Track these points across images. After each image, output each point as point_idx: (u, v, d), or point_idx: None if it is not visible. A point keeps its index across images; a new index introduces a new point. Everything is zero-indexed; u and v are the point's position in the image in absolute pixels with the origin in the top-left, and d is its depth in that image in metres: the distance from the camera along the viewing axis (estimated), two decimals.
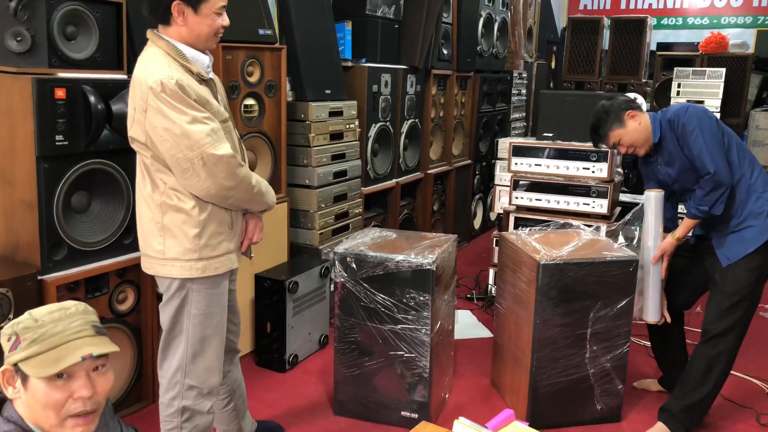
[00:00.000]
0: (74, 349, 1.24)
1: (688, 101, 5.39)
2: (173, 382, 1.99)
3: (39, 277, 2.24)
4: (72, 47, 2.30)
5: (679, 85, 5.43)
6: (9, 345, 1.24)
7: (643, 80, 6.67)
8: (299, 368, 3.12)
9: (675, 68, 5.54)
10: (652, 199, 2.63)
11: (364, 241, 2.73)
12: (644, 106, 5.71)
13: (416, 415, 2.59)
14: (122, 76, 2.45)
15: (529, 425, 2.47)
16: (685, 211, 2.57)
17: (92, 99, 2.28)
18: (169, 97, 1.79)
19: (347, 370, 2.68)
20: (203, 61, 1.94)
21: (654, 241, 2.64)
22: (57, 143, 2.21)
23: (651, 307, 2.66)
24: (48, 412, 1.23)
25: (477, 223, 5.63)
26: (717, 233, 2.52)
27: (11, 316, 2.13)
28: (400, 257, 2.52)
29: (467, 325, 3.70)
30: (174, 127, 1.80)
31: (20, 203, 2.25)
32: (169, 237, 1.91)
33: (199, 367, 1.99)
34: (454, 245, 2.83)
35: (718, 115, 5.22)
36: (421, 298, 2.52)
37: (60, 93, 2.20)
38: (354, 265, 2.57)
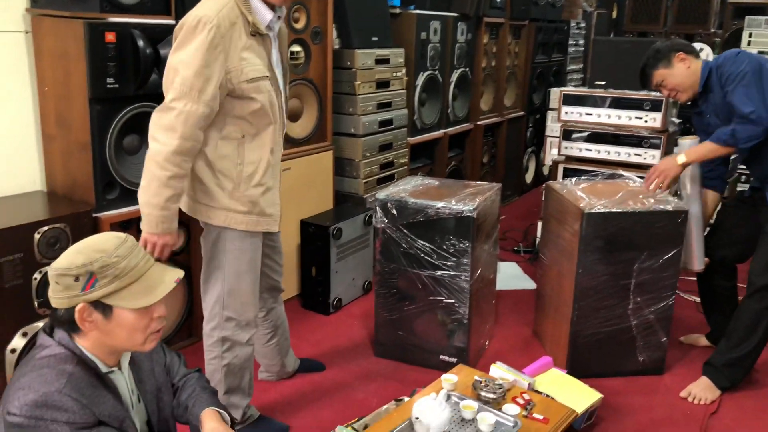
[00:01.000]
0: (158, 277, 1.35)
1: (759, 52, 5.09)
2: (213, 313, 2.09)
3: (93, 215, 2.35)
4: None
5: (750, 35, 5.12)
6: (80, 284, 1.27)
7: (712, 30, 6.33)
8: (343, 312, 3.20)
9: (746, 17, 5.22)
10: (685, 146, 2.52)
11: (405, 188, 2.74)
12: (710, 57, 5.43)
13: (455, 359, 2.63)
14: (170, 21, 2.49)
15: (569, 373, 2.49)
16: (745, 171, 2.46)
17: (141, 43, 2.34)
18: (196, 34, 1.79)
19: (388, 314, 2.73)
20: (265, 15, 1.92)
21: (691, 189, 2.55)
22: (108, 86, 2.29)
23: (695, 255, 2.59)
24: (136, 334, 1.35)
25: (529, 177, 5.54)
26: None
27: None
28: (440, 204, 2.52)
29: (512, 276, 3.69)
30: (180, 54, 1.80)
31: (75, 144, 2.35)
32: None
33: (236, 301, 2.07)
34: (497, 194, 2.80)
35: None
36: (461, 245, 2.52)
37: (110, 37, 2.27)
38: (395, 212, 2.59)
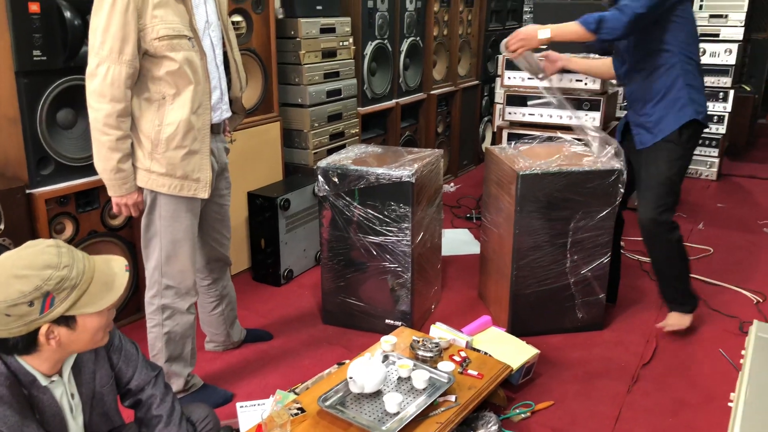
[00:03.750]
0: (107, 270, 1.33)
1: (711, 15, 5.15)
2: (152, 281, 2.11)
3: (27, 191, 2.33)
4: None
5: None
6: (37, 308, 1.23)
7: None
8: (294, 282, 3.22)
9: None
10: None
11: (348, 156, 2.75)
12: None
13: (400, 323, 2.68)
14: None
15: (509, 332, 2.56)
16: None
17: (68, 14, 2.30)
18: None
19: (334, 282, 2.77)
20: None
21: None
22: (35, 58, 2.25)
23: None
24: (99, 333, 1.34)
25: (485, 145, 5.58)
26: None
27: (2, 227, 2.23)
28: (380, 170, 2.55)
29: (464, 242, 3.75)
30: (96, 19, 1.82)
31: (4, 118, 2.32)
32: None
33: (174, 268, 2.09)
34: (439, 160, 2.83)
35: (740, 31, 5.00)
36: (402, 211, 2.55)
37: (34, 7, 2.22)
38: (336, 179, 2.60)
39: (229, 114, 2.20)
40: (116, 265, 1.35)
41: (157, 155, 1.96)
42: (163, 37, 1.88)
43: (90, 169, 2.50)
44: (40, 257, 1.25)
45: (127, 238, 2.71)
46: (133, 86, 1.91)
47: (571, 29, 2.41)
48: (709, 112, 4.82)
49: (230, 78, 2.20)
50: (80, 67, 2.38)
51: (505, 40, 2.59)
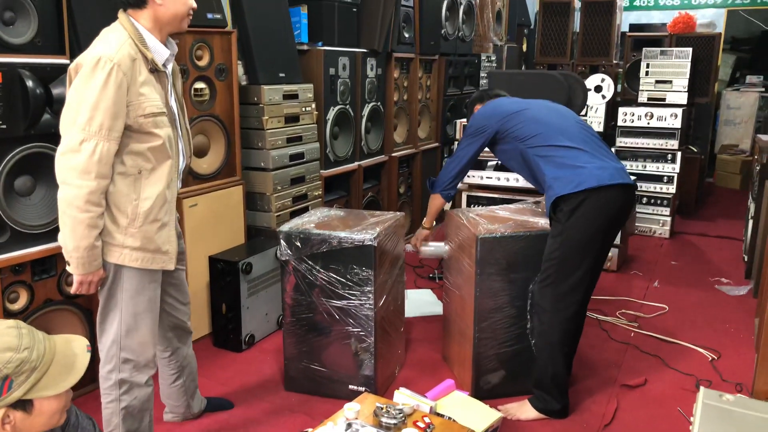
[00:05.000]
0: (66, 350, 1.30)
1: (657, 81, 5.45)
2: (110, 355, 2.05)
3: None
4: (10, 32, 2.32)
5: (647, 66, 5.48)
6: None
7: (615, 61, 6.73)
8: (256, 348, 3.17)
9: (644, 49, 5.59)
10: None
11: (311, 219, 2.78)
12: (611, 88, 5.78)
13: (363, 388, 2.65)
14: (64, 61, 2.47)
15: (472, 395, 2.56)
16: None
17: (30, 83, 2.31)
18: (97, 72, 1.81)
19: (297, 347, 2.74)
20: (162, 53, 1.98)
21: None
22: None
23: None
24: (56, 416, 1.30)
25: (447, 205, 5.67)
26: None
27: None
28: (342, 234, 2.57)
29: (426, 303, 3.76)
30: (84, 94, 1.81)
31: None
32: None
33: (134, 341, 2.04)
34: (401, 222, 2.87)
35: (683, 96, 5.29)
36: (364, 274, 2.57)
37: None
38: (299, 243, 2.62)
39: None
40: (77, 346, 1.32)
41: (132, 230, 1.94)
42: (149, 115, 1.90)
43: (48, 237, 2.47)
44: (0, 339, 1.22)
45: (84, 305, 2.65)
46: None
47: (432, 203, 2.96)
48: (659, 173, 5.07)
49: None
50: (41, 135, 2.39)
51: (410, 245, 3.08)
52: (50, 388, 1.25)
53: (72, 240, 1.88)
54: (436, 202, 2.92)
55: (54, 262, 2.52)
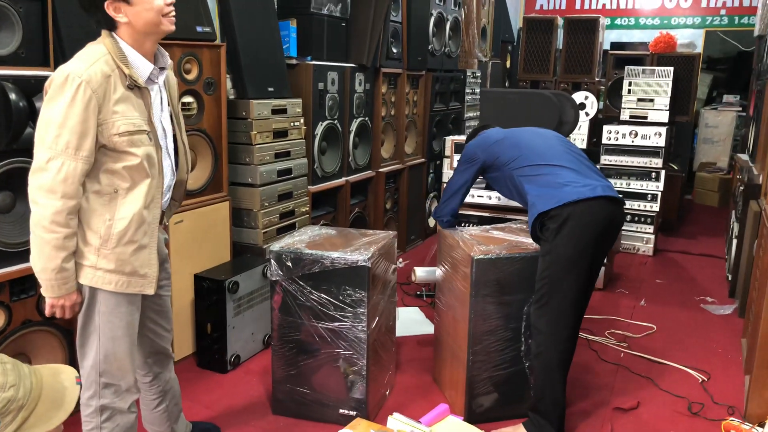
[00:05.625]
0: (55, 384, 1.23)
1: (639, 99, 5.50)
2: (90, 380, 1.96)
3: None
4: None
5: (630, 84, 5.53)
6: None
7: (597, 79, 6.79)
8: (241, 369, 3.09)
9: (626, 67, 5.64)
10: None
11: (301, 239, 2.72)
12: (595, 105, 5.82)
13: (354, 413, 2.59)
14: (48, 73, 2.38)
15: (465, 419, 2.51)
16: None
17: (13, 96, 2.23)
18: (65, 90, 1.74)
19: (286, 369, 2.67)
20: (144, 68, 1.89)
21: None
22: None
23: None
24: None
25: (432, 221, 5.65)
26: None
27: None
28: (335, 254, 2.51)
29: (415, 322, 3.71)
30: (51, 112, 1.74)
31: None
32: None
33: (113, 366, 1.95)
34: (393, 242, 2.83)
35: (665, 114, 5.35)
36: (357, 295, 2.51)
37: None
38: (290, 263, 2.55)
39: (168, 202, 2.14)
40: (66, 378, 1.25)
41: (105, 251, 1.86)
42: (123, 133, 1.82)
43: (26, 255, 2.34)
44: None
45: (64, 326, 2.55)
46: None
47: (441, 233, 2.95)
48: (643, 191, 5.10)
49: (178, 161, 2.15)
50: (23, 149, 2.30)
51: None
52: (38, 426, 1.18)
53: (39, 261, 1.80)
54: (441, 233, 2.95)
55: (33, 281, 2.40)
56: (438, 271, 2.93)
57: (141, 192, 1.88)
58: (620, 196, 2.51)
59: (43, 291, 1.84)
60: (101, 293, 1.90)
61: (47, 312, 1.87)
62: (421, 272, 3.11)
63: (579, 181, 2.43)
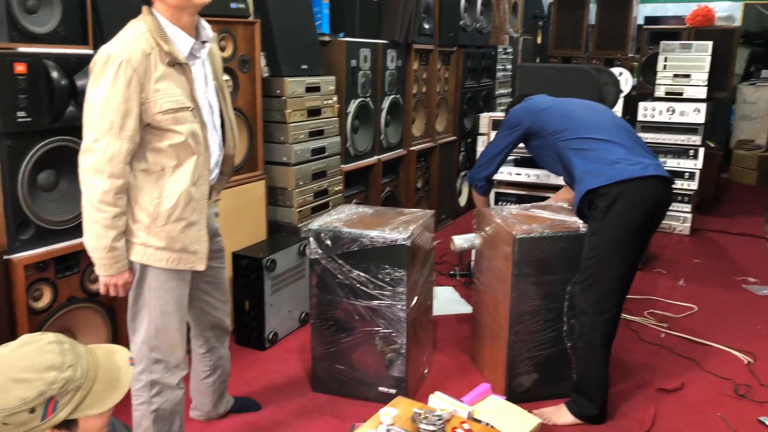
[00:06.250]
0: (109, 363, 1.23)
1: (675, 75, 5.35)
2: (141, 355, 1.99)
3: (5, 257, 2.20)
4: (33, 21, 2.24)
5: (665, 59, 5.39)
6: (38, 414, 1.12)
7: (630, 55, 6.63)
8: (279, 346, 3.10)
9: (661, 42, 5.49)
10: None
11: (339, 217, 2.70)
12: (630, 81, 5.68)
13: (394, 391, 2.58)
14: (87, 51, 2.39)
15: (506, 399, 2.49)
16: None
17: (54, 74, 2.23)
18: (107, 70, 1.75)
19: (325, 347, 2.67)
20: (183, 43, 1.87)
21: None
22: (19, 119, 2.16)
23: None
24: None
25: (462, 200, 5.60)
26: None
27: None
28: (374, 233, 2.50)
29: (449, 301, 3.69)
30: (94, 92, 1.76)
31: None
32: None
33: (164, 342, 1.98)
34: (432, 221, 2.80)
35: (702, 90, 5.20)
36: (397, 274, 2.50)
37: (20, 68, 2.15)
38: (329, 242, 2.54)
39: (217, 177, 2.13)
40: (120, 359, 1.24)
41: (155, 229, 1.87)
42: (167, 111, 1.81)
43: (71, 233, 2.39)
44: (42, 357, 1.14)
45: (107, 303, 2.57)
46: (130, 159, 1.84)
47: (474, 200, 3.02)
48: (681, 169, 4.99)
49: (225, 136, 2.14)
50: (65, 128, 2.31)
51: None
52: (95, 407, 1.18)
53: (90, 240, 1.83)
54: (476, 199, 2.95)
55: (77, 259, 2.44)
56: (477, 239, 2.88)
57: (188, 170, 1.88)
58: (670, 175, 2.44)
59: (97, 269, 1.86)
60: (151, 269, 1.92)
61: (101, 290, 1.90)
62: (459, 240, 2.99)
63: (630, 158, 2.36)
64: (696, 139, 4.94)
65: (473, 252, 3.99)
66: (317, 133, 3.53)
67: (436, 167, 5.00)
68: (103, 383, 1.20)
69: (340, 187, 3.78)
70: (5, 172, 2.16)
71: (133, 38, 1.79)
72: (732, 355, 3.04)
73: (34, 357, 1.14)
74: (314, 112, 3.50)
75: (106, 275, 1.86)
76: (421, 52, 4.62)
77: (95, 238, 1.82)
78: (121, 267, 1.87)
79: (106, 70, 1.75)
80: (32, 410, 1.11)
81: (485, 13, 5.44)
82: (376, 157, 4.19)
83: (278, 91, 3.31)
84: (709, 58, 5.18)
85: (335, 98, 3.65)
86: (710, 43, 5.23)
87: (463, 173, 5.52)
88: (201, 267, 1.98)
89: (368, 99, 4.00)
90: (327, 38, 3.74)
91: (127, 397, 2.04)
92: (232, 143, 2.15)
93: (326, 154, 3.60)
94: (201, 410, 2.45)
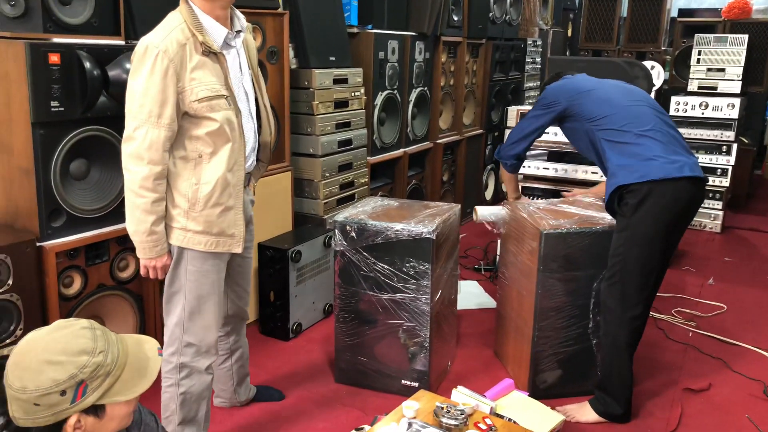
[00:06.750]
0: (138, 352, 1.26)
1: (708, 69, 5.24)
2: (173, 338, 2.04)
3: (38, 244, 2.25)
4: (67, 12, 2.27)
5: (699, 53, 5.27)
6: (69, 397, 1.15)
7: (663, 48, 6.50)
8: (303, 336, 3.13)
9: (695, 35, 5.37)
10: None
11: (365, 209, 2.71)
12: (662, 75, 5.57)
13: (416, 384, 2.59)
14: (120, 42, 2.42)
15: (529, 395, 2.48)
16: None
17: (87, 64, 2.26)
18: (145, 60, 1.81)
19: (348, 339, 2.68)
20: (218, 33, 1.92)
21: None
22: (52, 109, 2.20)
23: None
24: (126, 419, 1.27)
25: (488, 194, 5.57)
26: None
27: (10, 282, 2.15)
28: (399, 226, 2.49)
29: (473, 295, 3.68)
30: (134, 82, 1.83)
31: (18, 170, 2.25)
32: None
33: (197, 325, 2.02)
34: (457, 215, 2.79)
35: (737, 85, 5.08)
36: (421, 267, 2.49)
37: (54, 58, 2.18)
38: (354, 234, 2.55)
39: (254, 164, 2.16)
40: (149, 348, 1.27)
41: (194, 214, 1.93)
42: (202, 99, 1.86)
43: (101, 221, 2.44)
44: (75, 341, 1.17)
45: (136, 291, 2.62)
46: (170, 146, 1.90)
47: (502, 177, 3.01)
48: (713, 165, 4.89)
49: (260, 124, 2.17)
50: (97, 118, 2.35)
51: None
52: (123, 393, 1.21)
53: (131, 224, 1.91)
54: (503, 176, 2.94)
55: (107, 246, 2.49)
56: (502, 210, 2.81)
57: (224, 156, 1.93)
58: (704, 175, 2.38)
59: (138, 253, 1.94)
60: (188, 252, 1.97)
61: (142, 272, 1.98)
62: (483, 211, 2.88)
63: (666, 156, 2.29)
64: (729, 135, 4.84)
65: (499, 244, 3.97)
66: (344, 125, 3.54)
67: (462, 160, 4.97)
68: (132, 371, 1.23)
69: (366, 179, 3.78)
70: (38, 161, 2.21)
71: (169, 29, 1.85)
72: (762, 356, 2.98)
73: (68, 341, 1.17)
74: (341, 104, 3.51)
75: (145, 258, 1.93)
76: (450, 45, 4.59)
77: (136, 222, 1.88)
78: (161, 251, 1.93)
79: (144, 61, 1.81)
80: (63, 392, 1.14)
81: (515, 4, 5.38)
82: (402, 150, 4.18)
83: (306, 83, 3.32)
84: (744, 52, 5.05)
85: (362, 90, 3.65)
86: (746, 37, 5.11)
87: (489, 167, 5.48)
88: (238, 249, 2.03)
89: (395, 91, 3.99)
90: (355, 30, 3.74)
91: (156, 385, 2.08)
92: (268, 130, 2.18)
93: (353, 146, 3.61)
94: (223, 397, 2.49)
